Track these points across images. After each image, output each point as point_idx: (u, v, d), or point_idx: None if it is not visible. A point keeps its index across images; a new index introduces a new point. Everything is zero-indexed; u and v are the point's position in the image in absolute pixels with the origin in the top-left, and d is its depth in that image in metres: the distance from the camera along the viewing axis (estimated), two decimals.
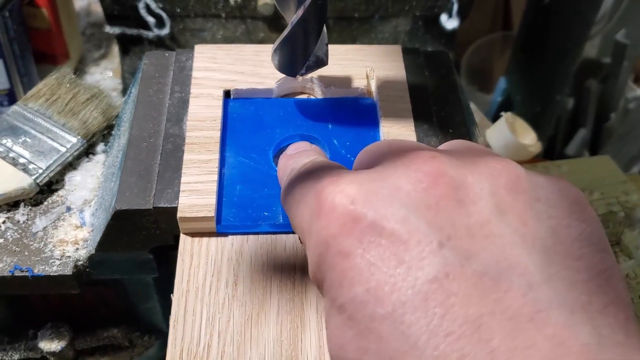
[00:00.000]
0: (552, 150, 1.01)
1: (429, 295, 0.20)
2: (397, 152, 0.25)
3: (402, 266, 0.21)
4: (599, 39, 1.06)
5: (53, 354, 0.44)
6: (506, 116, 0.66)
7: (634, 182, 0.61)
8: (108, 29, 0.66)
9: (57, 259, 0.39)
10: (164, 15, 0.64)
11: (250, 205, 0.36)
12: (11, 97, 0.73)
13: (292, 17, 0.34)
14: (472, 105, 0.60)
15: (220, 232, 0.35)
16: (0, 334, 0.46)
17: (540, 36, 0.84)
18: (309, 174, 0.27)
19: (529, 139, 0.65)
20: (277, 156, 0.38)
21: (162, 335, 0.47)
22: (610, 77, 1.02)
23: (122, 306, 0.45)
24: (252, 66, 0.42)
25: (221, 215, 0.35)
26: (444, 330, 0.20)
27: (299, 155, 0.31)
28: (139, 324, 0.46)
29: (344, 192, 0.23)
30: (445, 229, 0.21)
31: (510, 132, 0.64)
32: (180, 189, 0.35)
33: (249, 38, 0.66)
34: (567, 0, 0.79)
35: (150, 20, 0.63)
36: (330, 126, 0.40)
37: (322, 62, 0.38)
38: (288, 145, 0.38)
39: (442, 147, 0.28)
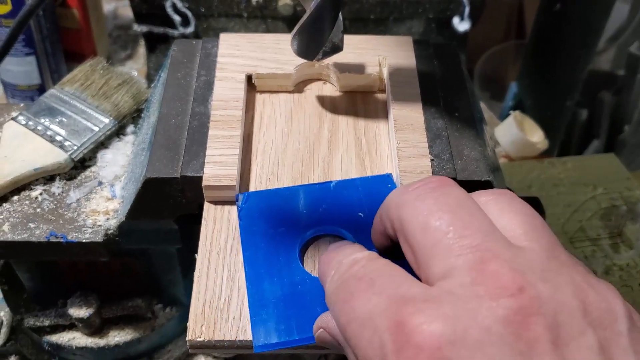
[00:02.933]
0: None
1: None
2: (469, 256, 0.22)
3: None
4: (613, 51, 1.08)
5: (81, 320, 0.47)
6: (514, 114, 0.69)
7: (637, 179, 0.63)
8: (136, 27, 0.70)
9: (89, 228, 0.42)
10: (189, 14, 0.67)
11: (286, 318, 0.32)
12: (42, 93, 0.77)
13: (311, 4, 0.38)
14: (483, 106, 0.63)
15: (258, 352, 0.31)
16: (33, 301, 0.49)
17: (551, 41, 0.86)
18: (371, 285, 0.24)
19: (537, 136, 0.68)
20: (303, 255, 0.35)
21: (182, 308, 0.50)
22: (624, 89, 1.03)
23: (146, 277, 0.48)
24: (273, 53, 0.45)
25: (258, 335, 0.31)
26: None
27: (344, 247, 0.28)
28: (161, 295, 0.49)
29: (431, 330, 0.21)
30: None
31: (519, 130, 0.66)
32: (205, 161, 0.38)
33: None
34: (577, 7, 0.82)
35: (177, 18, 0.67)
36: (361, 214, 0.36)
37: (337, 48, 0.41)
38: (313, 239, 0.35)
39: (520, 257, 0.23)
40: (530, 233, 0.24)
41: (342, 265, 0.26)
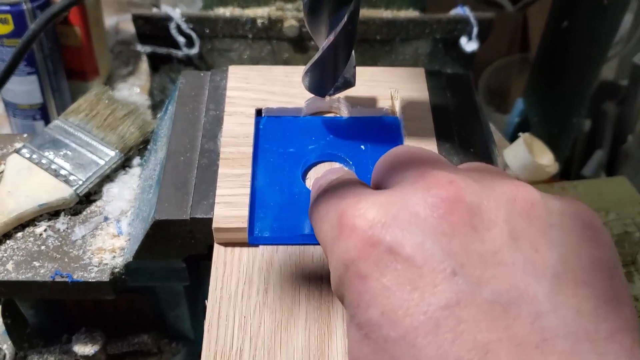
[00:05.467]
0: (568, 171, 1.02)
1: (440, 321, 0.21)
2: (417, 170, 0.26)
3: (415, 292, 0.22)
4: (617, 61, 1.07)
5: (86, 357, 0.46)
6: (524, 137, 0.68)
7: None
8: (139, 47, 0.69)
9: (95, 266, 0.41)
10: (193, 35, 0.66)
11: (280, 219, 0.37)
12: (44, 112, 0.76)
13: (324, 42, 0.37)
14: (491, 126, 0.62)
15: (252, 244, 0.37)
16: (37, 337, 0.48)
17: (558, 58, 0.85)
18: (334, 192, 0.28)
19: (547, 159, 0.67)
20: (305, 174, 0.40)
21: (189, 343, 0.49)
22: (627, 99, 1.02)
23: (152, 313, 0.47)
24: (282, 86, 0.44)
25: (253, 228, 0.37)
26: (453, 355, 0.21)
27: (330, 172, 0.32)
28: (167, 330, 0.48)
29: (364, 215, 0.24)
30: (458, 256, 0.22)
31: (528, 153, 0.65)
32: (216, 201, 0.37)
33: (274, 58, 0.69)
34: (585, 23, 0.81)
35: (181, 40, 0.66)
36: (363, 147, 0.41)
37: (349, 83, 0.41)
38: (317, 163, 0.41)
39: (461, 167, 0.28)
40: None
41: (321, 187, 0.30)
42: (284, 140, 0.41)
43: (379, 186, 0.29)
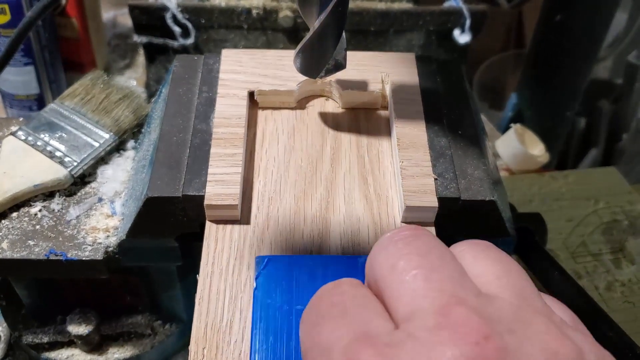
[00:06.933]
0: (563, 169, 1.02)
1: None
2: (433, 295, 0.22)
3: None
4: (612, 60, 1.08)
5: (80, 337, 0.46)
6: (515, 127, 0.68)
7: (639, 193, 0.63)
8: (136, 37, 0.69)
9: (89, 245, 0.41)
10: (189, 25, 0.67)
11: None
12: (40, 103, 0.76)
13: (314, 23, 0.37)
14: (483, 118, 0.63)
15: None
16: (31, 318, 0.48)
17: (551, 53, 0.86)
18: (347, 311, 0.23)
19: (538, 149, 0.67)
20: None
21: (182, 324, 0.49)
22: (622, 97, 1.03)
23: (146, 294, 0.47)
24: (275, 69, 0.44)
25: None
26: None
27: (333, 286, 0.25)
28: (161, 312, 0.49)
29: None
30: None
31: (519, 143, 0.66)
32: (207, 179, 0.38)
33: (269, 49, 0.70)
34: (578, 18, 0.82)
35: (177, 30, 0.67)
36: None
37: (340, 65, 0.41)
38: None
39: (489, 306, 0.22)
40: (504, 279, 0.24)
41: (323, 289, 0.25)
42: (290, 291, 0.33)
43: (377, 291, 0.25)
